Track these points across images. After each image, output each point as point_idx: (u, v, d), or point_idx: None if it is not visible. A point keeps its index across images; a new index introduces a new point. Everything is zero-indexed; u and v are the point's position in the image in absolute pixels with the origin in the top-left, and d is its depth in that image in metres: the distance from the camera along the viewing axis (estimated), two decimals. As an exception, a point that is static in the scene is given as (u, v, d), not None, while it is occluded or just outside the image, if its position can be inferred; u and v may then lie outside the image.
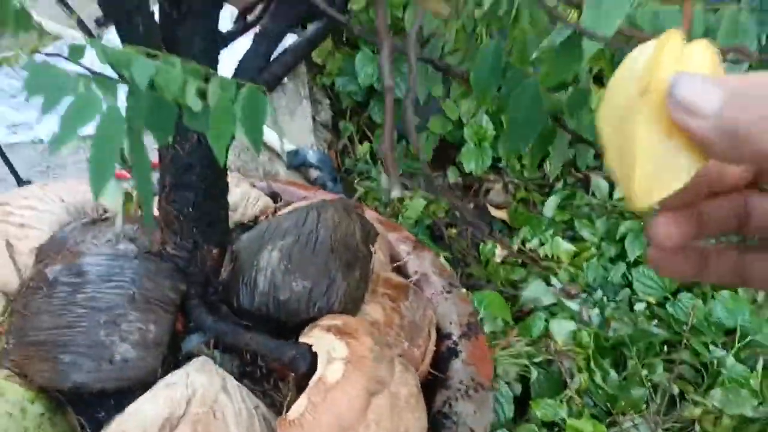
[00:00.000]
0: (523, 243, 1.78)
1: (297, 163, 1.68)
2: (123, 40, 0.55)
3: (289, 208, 0.84)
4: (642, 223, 1.76)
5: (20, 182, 1.48)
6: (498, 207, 2.16)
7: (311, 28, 0.65)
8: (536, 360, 1.37)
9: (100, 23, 2.31)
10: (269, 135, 1.47)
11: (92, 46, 0.38)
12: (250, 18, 0.66)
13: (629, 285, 1.64)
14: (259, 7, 0.68)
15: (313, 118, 2.08)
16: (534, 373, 1.34)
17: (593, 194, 1.96)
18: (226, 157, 0.43)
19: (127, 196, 0.54)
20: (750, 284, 0.30)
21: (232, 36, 0.64)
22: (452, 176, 2.29)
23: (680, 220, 0.29)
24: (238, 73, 0.64)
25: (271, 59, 0.64)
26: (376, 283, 0.75)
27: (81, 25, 0.64)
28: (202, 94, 0.41)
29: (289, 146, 1.73)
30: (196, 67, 0.41)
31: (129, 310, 0.62)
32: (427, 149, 2.28)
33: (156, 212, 0.68)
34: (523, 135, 0.52)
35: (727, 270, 0.31)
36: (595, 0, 0.46)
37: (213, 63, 0.60)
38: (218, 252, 0.70)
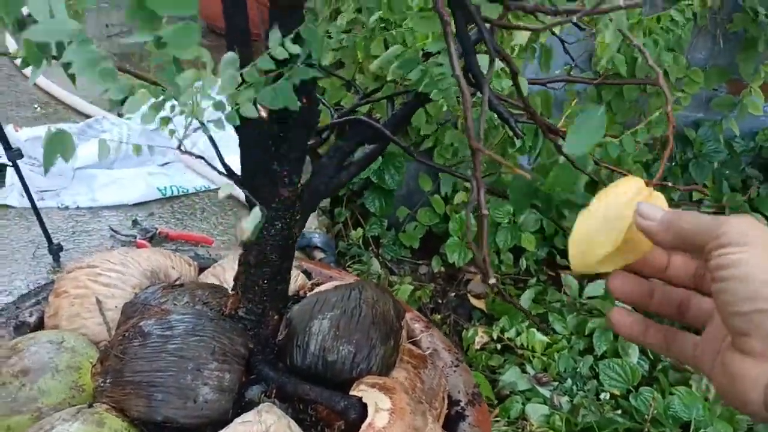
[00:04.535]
0: (501, 332, 1.94)
1: (302, 244, 1.84)
2: (241, 144, 0.73)
3: (328, 285, 1.00)
4: (608, 321, 1.95)
5: (51, 243, 1.61)
6: (477, 297, 2.33)
7: (372, 146, 0.84)
8: (514, 439, 1.50)
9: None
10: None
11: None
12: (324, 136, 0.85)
13: (596, 377, 1.80)
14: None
15: (313, 203, 2.26)
16: (512, 452, 1.47)
17: (565, 292, 2.16)
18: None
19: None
20: (670, 353, 0.49)
21: (313, 147, 0.83)
22: (436, 265, 2.47)
23: (630, 281, 0.49)
24: (313, 178, 0.82)
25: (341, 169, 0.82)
26: (401, 352, 0.90)
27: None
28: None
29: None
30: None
31: (210, 361, 0.77)
32: (415, 238, 2.47)
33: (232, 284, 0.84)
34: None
35: (658, 340, 0.50)
36: (575, 128, 0.66)
37: (300, 168, 0.78)
38: (278, 318, 0.85)
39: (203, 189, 2.02)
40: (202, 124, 0.76)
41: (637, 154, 2.27)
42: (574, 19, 0.38)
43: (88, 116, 2.13)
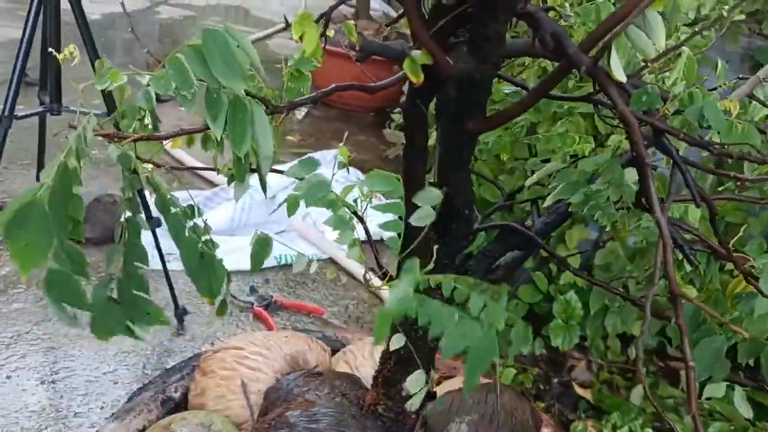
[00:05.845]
0: (613, 429, 1.84)
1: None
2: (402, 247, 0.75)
3: (459, 380, 0.99)
4: (732, 427, 1.81)
5: (177, 307, 1.70)
6: (582, 385, 2.23)
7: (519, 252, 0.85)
8: None
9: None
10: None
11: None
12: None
13: (720, 488, 1.66)
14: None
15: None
16: None
17: (682, 389, 2.03)
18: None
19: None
20: None
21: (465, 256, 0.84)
22: (538, 348, 2.39)
23: None
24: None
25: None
26: (537, 463, 0.87)
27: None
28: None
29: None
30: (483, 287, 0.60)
31: (353, 459, 0.77)
32: (516, 317, 2.41)
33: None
34: (704, 372, 0.68)
35: None
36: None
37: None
38: (415, 417, 0.85)
39: (315, 259, 2.08)
40: (362, 222, 0.79)
41: None
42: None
43: (214, 184, 2.27)
